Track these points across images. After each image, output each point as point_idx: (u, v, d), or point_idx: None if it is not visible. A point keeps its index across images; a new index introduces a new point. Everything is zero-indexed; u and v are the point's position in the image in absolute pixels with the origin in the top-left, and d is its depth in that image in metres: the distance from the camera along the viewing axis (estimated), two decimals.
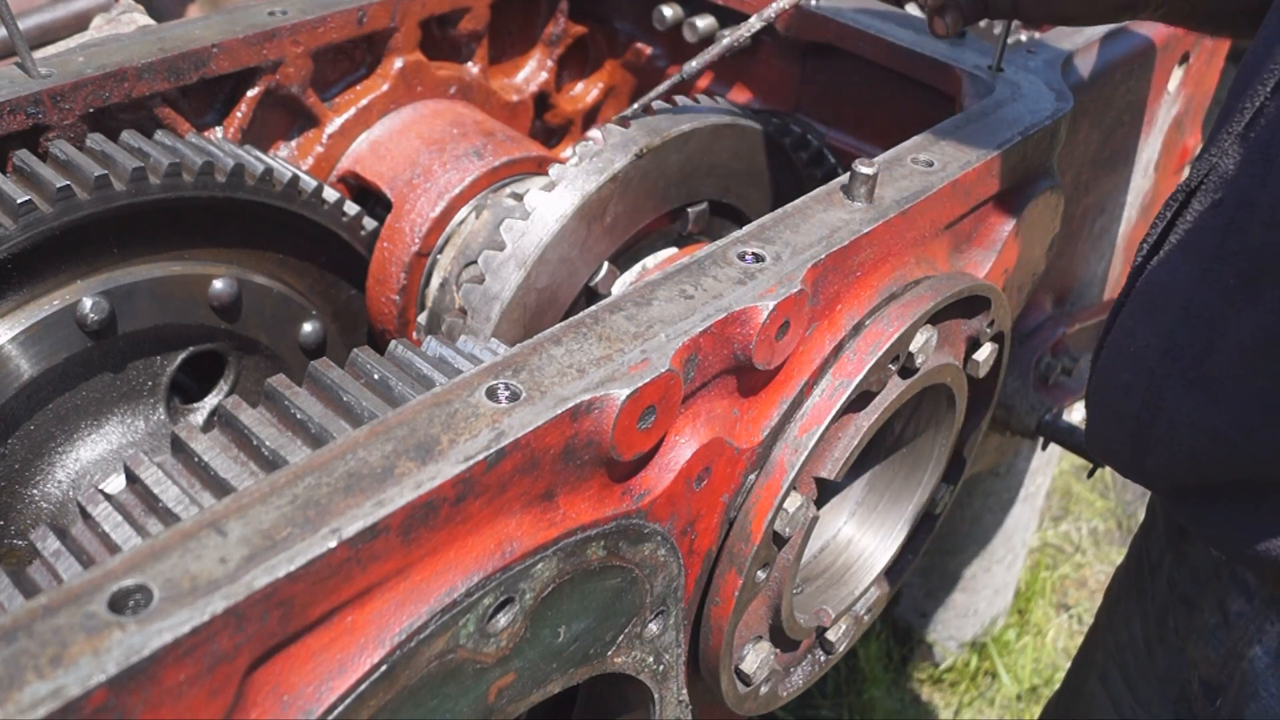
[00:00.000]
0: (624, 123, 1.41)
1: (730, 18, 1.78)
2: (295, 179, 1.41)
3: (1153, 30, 1.78)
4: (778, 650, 1.32)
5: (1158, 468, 1.14)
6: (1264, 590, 1.18)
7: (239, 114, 1.50)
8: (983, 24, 1.94)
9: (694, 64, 1.38)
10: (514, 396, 0.85)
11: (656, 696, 1.08)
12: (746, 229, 1.11)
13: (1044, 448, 1.97)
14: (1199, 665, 1.29)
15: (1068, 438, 1.85)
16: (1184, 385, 1.07)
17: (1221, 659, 1.24)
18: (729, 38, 1.38)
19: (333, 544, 0.72)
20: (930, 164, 1.24)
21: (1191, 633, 1.30)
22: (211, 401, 1.43)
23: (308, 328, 1.49)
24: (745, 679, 1.26)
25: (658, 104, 1.45)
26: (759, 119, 1.58)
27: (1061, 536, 3.37)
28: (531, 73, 1.93)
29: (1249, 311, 0.99)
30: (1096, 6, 1.30)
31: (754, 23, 1.37)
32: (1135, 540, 1.49)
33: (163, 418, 1.36)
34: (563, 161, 1.39)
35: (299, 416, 0.93)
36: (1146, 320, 1.11)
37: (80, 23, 1.77)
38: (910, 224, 1.19)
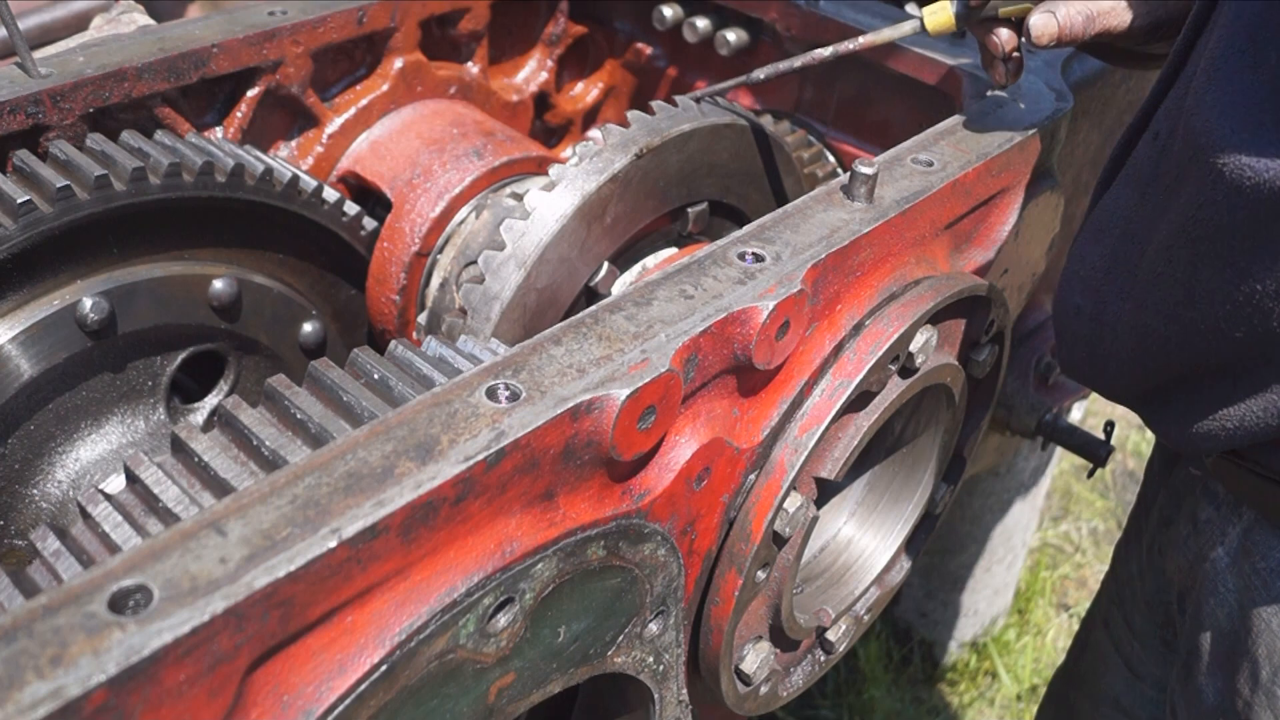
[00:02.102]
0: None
1: (730, 18, 1.78)
2: (295, 179, 1.41)
3: None
4: (778, 650, 1.32)
5: (1116, 380, 1.23)
6: (1230, 497, 1.25)
7: (239, 114, 1.50)
8: None
9: (760, 74, 1.41)
10: (514, 396, 0.85)
11: (656, 696, 1.08)
12: (746, 229, 1.11)
13: (1044, 448, 1.97)
14: (1174, 580, 1.37)
15: (1068, 438, 1.85)
16: (1121, 297, 1.17)
17: (1189, 565, 1.31)
18: (811, 54, 1.39)
19: (333, 544, 0.72)
20: (930, 164, 1.24)
21: (1168, 547, 1.37)
22: (211, 401, 1.43)
23: (308, 328, 1.49)
24: (745, 679, 1.26)
25: (657, 104, 1.45)
26: (759, 119, 1.58)
27: (1061, 536, 3.37)
28: (531, 73, 1.93)
29: (1167, 216, 1.09)
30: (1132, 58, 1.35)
31: (847, 45, 1.38)
32: (1139, 492, 1.57)
33: (163, 418, 1.36)
34: (563, 161, 1.39)
35: (299, 416, 0.93)
36: (1094, 245, 1.22)
37: (80, 23, 1.77)
38: (910, 224, 1.19)
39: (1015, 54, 1.29)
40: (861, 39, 1.37)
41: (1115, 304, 1.18)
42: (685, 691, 1.13)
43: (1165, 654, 1.46)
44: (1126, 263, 1.17)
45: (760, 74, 1.41)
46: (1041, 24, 1.20)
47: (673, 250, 1.52)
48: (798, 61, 1.39)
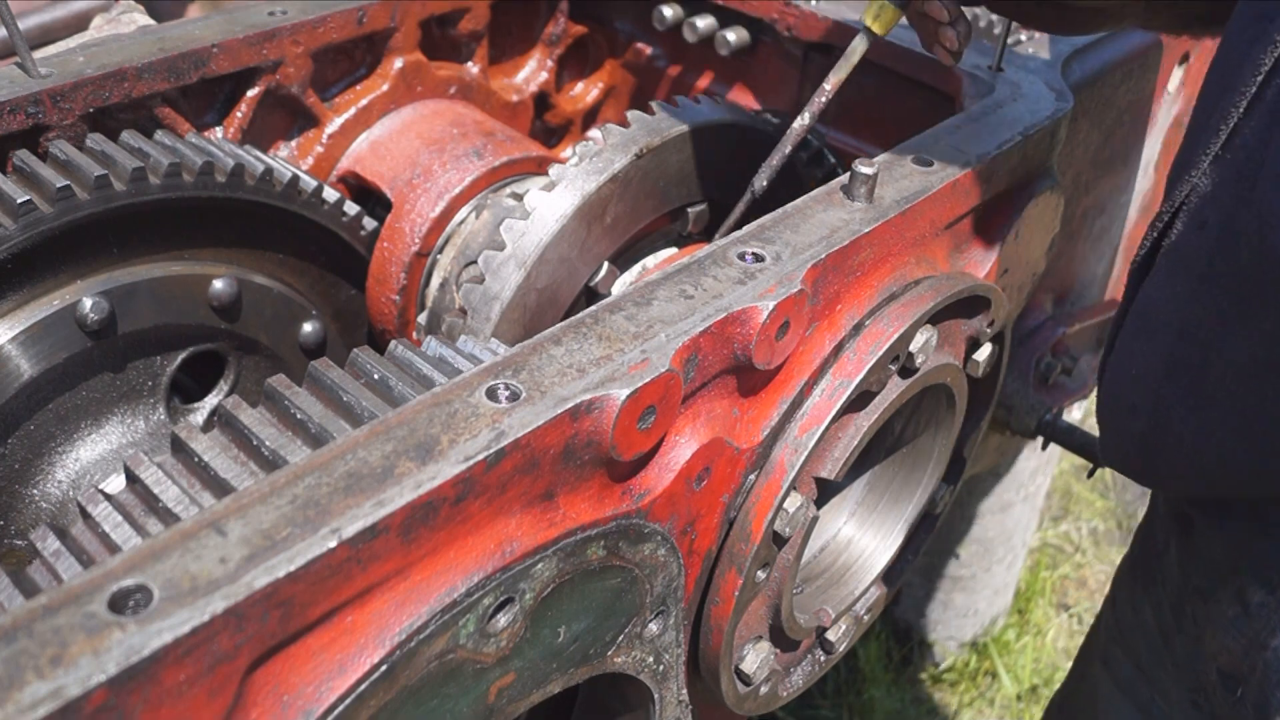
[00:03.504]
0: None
1: (730, 18, 1.78)
2: (295, 179, 1.41)
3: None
4: (778, 650, 1.32)
5: (1172, 481, 1.17)
6: None
7: (239, 114, 1.50)
8: (983, 24, 1.94)
9: (759, 182, 1.33)
10: (514, 396, 0.85)
11: (656, 696, 1.08)
12: (746, 229, 1.11)
13: (1044, 448, 1.97)
14: (1218, 656, 1.31)
15: (1068, 438, 1.85)
16: (1188, 406, 1.09)
17: (1243, 650, 1.26)
18: (791, 130, 1.32)
19: (333, 544, 0.72)
20: (930, 164, 1.24)
21: (1208, 623, 1.31)
22: (211, 401, 1.43)
23: (308, 328, 1.49)
24: (745, 679, 1.26)
25: (657, 104, 1.45)
26: (759, 119, 1.58)
27: (1061, 536, 3.37)
28: (531, 73, 1.93)
29: (1243, 333, 1.01)
30: (1066, 18, 1.28)
31: (818, 101, 1.29)
32: (1140, 527, 1.51)
33: (163, 418, 1.36)
34: (563, 161, 1.39)
35: (299, 416, 0.93)
36: (1145, 342, 1.13)
37: (80, 23, 1.77)
38: (910, 224, 1.19)
39: (958, 19, 1.22)
40: (827, 84, 1.29)
41: (1181, 412, 1.10)
42: (685, 691, 1.13)
43: (1195, 715, 1.40)
44: (1189, 368, 1.08)
45: (760, 182, 1.34)
46: None
47: (673, 250, 1.52)
48: (787, 146, 1.33)
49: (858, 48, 1.27)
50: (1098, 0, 1.21)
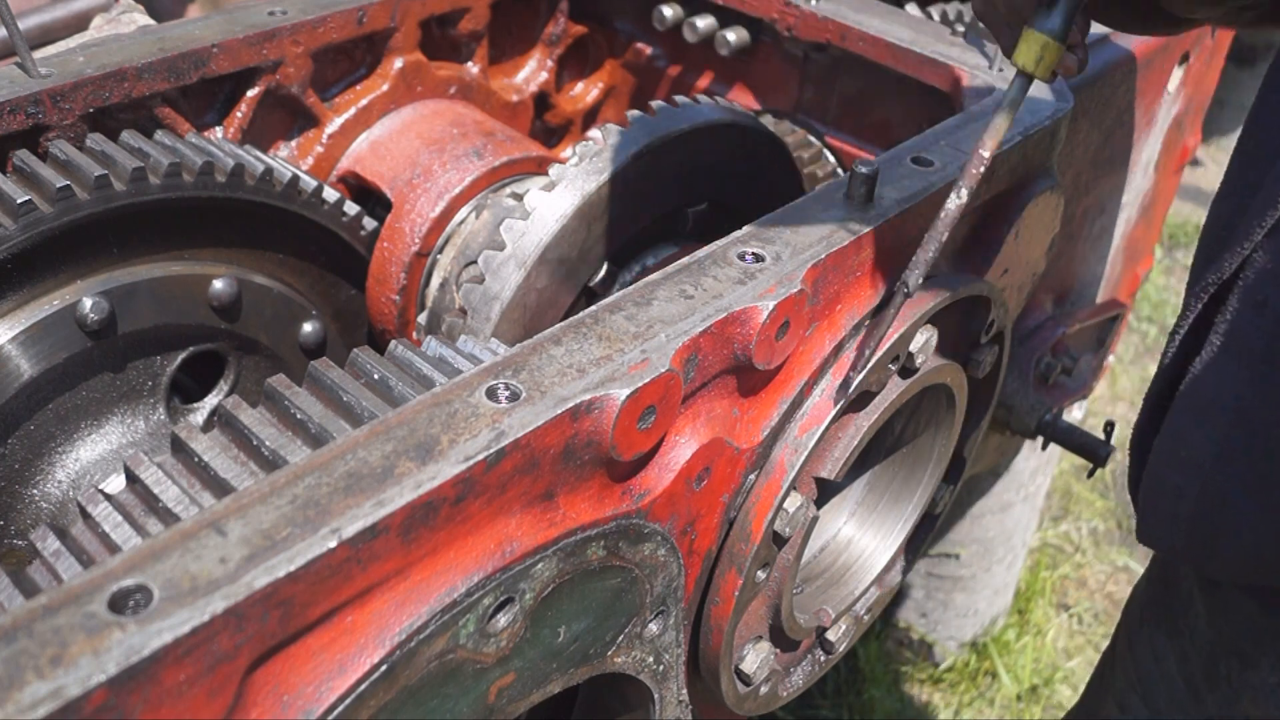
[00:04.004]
0: None
1: (730, 18, 1.79)
2: (295, 179, 1.41)
3: None
4: (778, 650, 1.32)
5: (1223, 567, 1.13)
6: None
7: (239, 114, 1.50)
8: (982, 24, 1.93)
9: (912, 278, 1.05)
10: (514, 396, 0.85)
11: (656, 696, 1.08)
12: (746, 229, 1.11)
13: (1044, 448, 1.97)
14: (1251, 717, 1.26)
15: (1068, 438, 1.85)
16: (1245, 492, 1.04)
17: None
18: (944, 213, 1.04)
19: (333, 544, 0.72)
20: (930, 164, 1.24)
21: (1247, 688, 1.26)
22: (211, 401, 1.43)
23: (308, 328, 1.49)
24: (745, 679, 1.26)
25: (658, 104, 1.45)
26: (759, 119, 1.58)
27: (1061, 536, 3.37)
28: (531, 73, 1.93)
29: None
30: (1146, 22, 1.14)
31: (975, 169, 1.03)
32: (1158, 560, 1.44)
33: (163, 418, 1.36)
34: (563, 161, 1.39)
35: (299, 416, 0.93)
36: (1196, 425, 1.08)
37: (80, 23, 1.77)
38: (910, 224, 1.19)
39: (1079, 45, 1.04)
40: (985, 151, 1.03)
41: (1236, 498, 1.05)
42: (685, 691, 1.13)
43: None
44: (1248, 454, 1.03)
45: (912, 278, 1.05)
46: None
47: (673, 250, 1.52)
48: (943, 233, 1.05)
49: (1016, 98, 1.02)
50: (1204, 12, 1.07)
